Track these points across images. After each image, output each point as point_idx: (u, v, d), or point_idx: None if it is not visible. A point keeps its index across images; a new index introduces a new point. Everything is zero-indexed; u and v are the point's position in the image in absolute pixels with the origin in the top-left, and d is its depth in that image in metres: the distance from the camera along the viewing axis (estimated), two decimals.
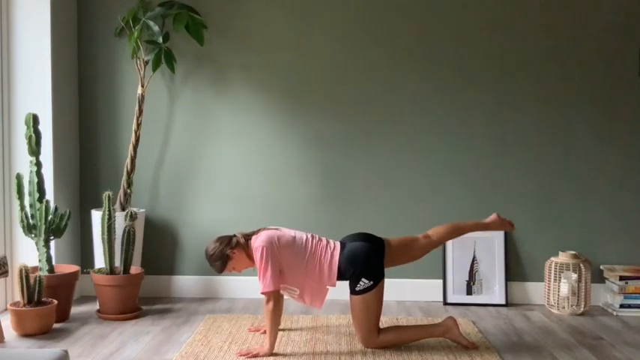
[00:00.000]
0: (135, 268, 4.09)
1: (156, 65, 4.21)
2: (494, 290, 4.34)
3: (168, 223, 4.49)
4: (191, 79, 4.45)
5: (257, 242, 3.33)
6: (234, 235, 3.47)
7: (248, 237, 3.45)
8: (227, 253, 3.41)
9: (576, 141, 4.38)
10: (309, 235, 3.46)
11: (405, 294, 4.40)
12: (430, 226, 4.36)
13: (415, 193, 4.42)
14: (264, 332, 3.51)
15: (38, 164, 3.87)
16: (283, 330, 3.69)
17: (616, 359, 3.33)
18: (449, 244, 4.35)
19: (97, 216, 4.14)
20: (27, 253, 4.03)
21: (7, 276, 3.64)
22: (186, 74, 4.44)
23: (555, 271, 4.21)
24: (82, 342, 3.49)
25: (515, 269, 4.39)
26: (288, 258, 3.34)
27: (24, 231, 3.87)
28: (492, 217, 3.65)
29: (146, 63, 4.25)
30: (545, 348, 3.48)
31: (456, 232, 3.65)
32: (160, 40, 4.20)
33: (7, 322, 3.64)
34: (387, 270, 3.42)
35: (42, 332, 3.59)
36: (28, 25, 4.08)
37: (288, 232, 3.44)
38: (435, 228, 3.60)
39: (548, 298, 4.27)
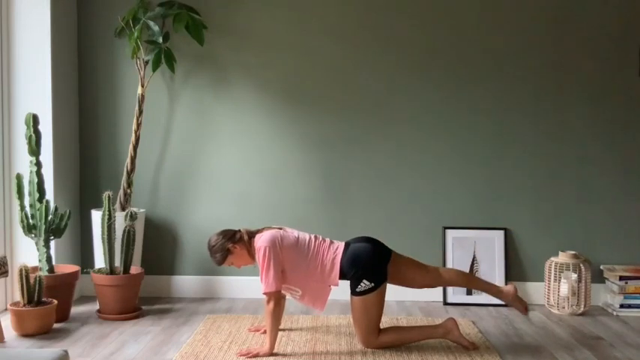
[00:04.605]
0: (135, 268, 4.09)
1: (156, 65, 4.21)
2: None
3: (168, 223, 4.49)
4: (191, 79, 4.45)
5: (260, 242, 3.34)
6: (239, 231, 3.48)
7: (252, 234, 3.46)
8: (228, 247, 3.41)
9: (576, 141, 4.38)
10: (313, 236, 3.46)
11: (405, 294, 4.38)
12: (429, 226, 4.41)
13: (415, 193, 4.42)
14: (264, 332, 3.51)
15: (38, 164, 3.86)
16: (283, 330, 3.69)
17: (616, 359, 3.33)
18: (448, 242, 4.36)
19: (97, 216, 4.14)
20: (27, 253, 4.03)
21: (7, 276, 3.64)
22: (186, 74, 4.44)
23: (555, 271, 4.21)
24: (82, 342, 3.49)
25: (515, 269, 4.39)
26: (290, 258, 3.34)
27: (24, 231, 3.87)
28: (510, 287, 3.51)
29: (146, 63, 4.25)
30: (545, 348, 3.48)
31: (466, 282, 3.62)
32: (160, 40, 4.20)
33: (7, 322, 3.64)
34: None
35: (42, 332, 3.59)
36: (28, 25, 4.08)
37: (292, 233, 3.45)
38: (447, 268, 3.66)
39: (548, 298, 4.27)
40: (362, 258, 3.34)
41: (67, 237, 4.19)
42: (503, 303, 4.26)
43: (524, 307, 3.51)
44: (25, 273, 3.57)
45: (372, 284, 3.31)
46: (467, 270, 4.34)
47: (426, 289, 3.63)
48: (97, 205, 4.28)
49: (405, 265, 3.45)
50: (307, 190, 4.45)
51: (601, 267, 4.34)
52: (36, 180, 3.85)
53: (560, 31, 4.35)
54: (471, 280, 3.65)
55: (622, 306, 4.16)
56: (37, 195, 3.85)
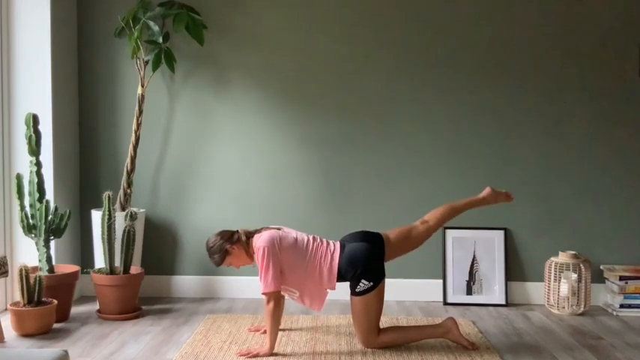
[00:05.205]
0: (135, 268, 4.09)
1: (156, 65, 4.21)
2: (494, 290, 4.34)
3: (168, 223, 4.49)
4: (191, 79, 4.45)
5: (259, 242, 3.33)
6: (237, 232, 3.48)
7: (250, 235, 3.46)
8: (226, 248, 3.41)
9: (576, 141, 4.38)
10: (311, 237, 3.46)
11: (405, 294, 4.40)
12: None
13: (415, 192, 4.42)
14: (264, 332, 3.51)
15: (38, 164, 3.86)
16: (283, 330, 3.69)
17: (616, 359, 3.33)
18: (448, 242, 4.36)
19: (97, 216, 4.14)
20: (27, 253, 4.03)
21: (7, 276, 3.64)
22: (186, 74, 4.44)
23: (555, 271, 4.21)
24: (82, 342, 3.49)
25: (515, 269, 4.39)
26: (288, 259, 3.34)
27: (24, 231, 3.87)
28: (486, 190, 3.62)
29: (146, 63, 4.25)
30: (545, 348, 3.48)
31: (452, 212, 3.61)
32: (160, 40, 4.20)
33: (7, 322, 3.64)
34: (387, 269, 3.41)
35: (42, 332, 3.59)
36: (28, 25, 4.07)
37: (290, 233, 3.44)
38: (431, 212, 3.59)
39: (548, 298, 4.27)
40: (359, 258, 3.34)
41: (67, 237, 4.19)
42: (503, 302, 4.28)
43: (505, 195, 3.62)
44: (25, 273, 3.57)
45: (371, 283, 3.31)
46: (467, 269, 4.35)
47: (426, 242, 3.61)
48: (97, 205, 4.28)
49: (396, 240, 3.46)
50: (307, 190, 4.45)
51: (601, 267, 4.34)
52: (36, 180, 3.85)
53: (560, 31, 4.35)
54: (454, 209, 3.61)
55: (622, 306, 4.16)
56: (37, 195, 3.85)
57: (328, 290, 3.42)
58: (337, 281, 3.38)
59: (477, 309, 4.25)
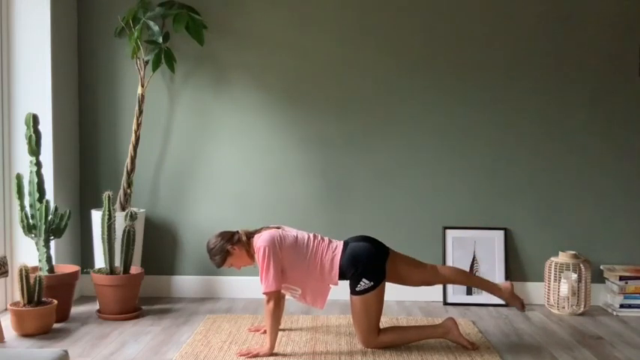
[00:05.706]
0: (135, 268, 4.09)
1: (156, 65, 4.21)
2: None
3: (168, 223, 4.49)
4: (191, 79, 4.45)
5: (259, 242, 3.34)
6: (237, 232, 3.48)
7: (250, 235, 3.46)
8: (227, 249, 3.41)
9: (576, 141, 4.38)
10: (312, 235, 3.46)
11: (405, 294, 4.39)
12: (429, 226, 4.41)
13: (415, 193, 4.42)
14: (264, 332, 3.51)
15: (38, 164, 3.86)
16: (283, 330, 3.69)
17: (616, 359, 3.33)
18: (448, 242, 4.36)
19: (97, 216, 4.14)
20: (27, 253, 4.03)
21: (7, 276, 3.64)
22: (186, 74, 4.44)
23: (555, 271, 4.21)
24: (82, 342, 3.50)
25: (515, 269, 4.39)
26: (289, 258, 3.34)
27: (24, 231, 3.87)
28: (505, 285, 3.56)
29: (146, 63, 4.25)
30: (545, 348, 3.48)
31: (463, 279, 3.64)
32: (160, 40, 4.20)
33: (7, 322, 3.64)
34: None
35: (42, 332, 3.59)
36: (28, 25, 4.08)
37: (291, 232, 3.45)
38: (445, 266, 3.65)
39: (548, 298, 4.27)
40: (361, 257, 3.34)
41: (67, 237, 4.19)
42: (503, 302, 4.28)
43: (520, 303, 3.54)
44: (25, 273, 3.57)
45: (372, 283, 3.31)
46: (467, 269, 4.34)
47: (424, 286, 3.62)
48: (97, 205, 4.28)
49: (402, 263, 3.46)
50: (307, 190, 4.45)
51: (601, 267, 4.34)
52: (36, 180, 3.85)
53: (559, 31, 4.35)
54: (468, 278, 3.69)
55: (622, 306, 4.16)
56: (37, 195, 3.85)
57: (331, 286, 3.42)
58: (338, 279, 3.38)
59: (477, 309, 4.25)
